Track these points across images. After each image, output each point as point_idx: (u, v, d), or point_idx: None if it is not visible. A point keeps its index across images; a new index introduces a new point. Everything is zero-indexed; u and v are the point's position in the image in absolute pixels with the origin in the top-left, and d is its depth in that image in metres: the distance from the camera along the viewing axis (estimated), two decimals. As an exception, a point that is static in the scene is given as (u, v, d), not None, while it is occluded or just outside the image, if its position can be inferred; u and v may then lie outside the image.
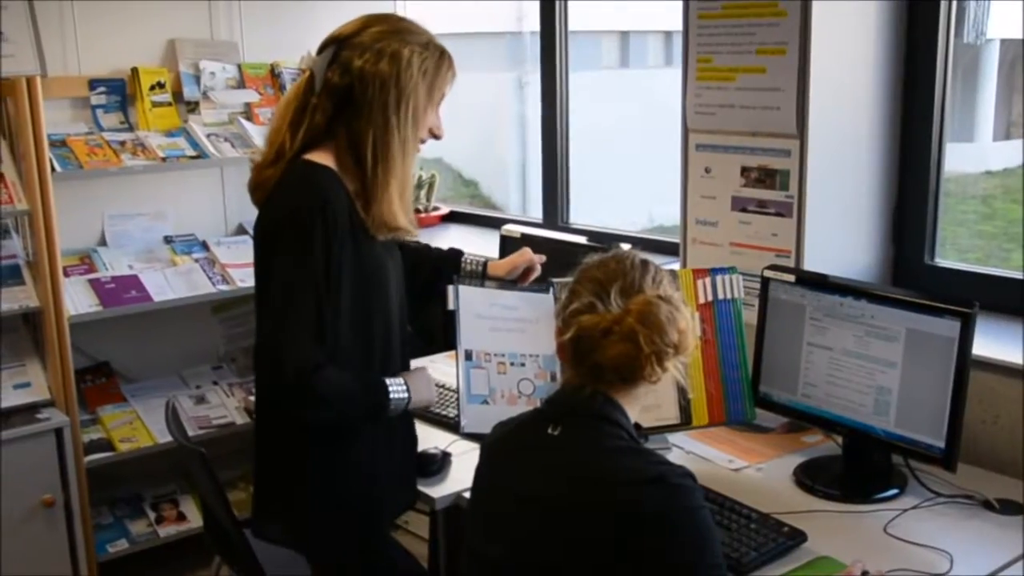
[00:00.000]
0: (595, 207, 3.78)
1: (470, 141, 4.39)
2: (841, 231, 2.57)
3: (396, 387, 2.02)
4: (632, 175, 4.10)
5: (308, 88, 2.01)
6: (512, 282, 2.42)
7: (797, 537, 1.87)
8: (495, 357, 2.33)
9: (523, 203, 4.27)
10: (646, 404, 2.21)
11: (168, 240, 3.60)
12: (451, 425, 2.38)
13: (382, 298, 2.05)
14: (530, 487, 1.57)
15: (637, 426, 1.65)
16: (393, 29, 2.01)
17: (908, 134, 2.60)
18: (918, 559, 1.82)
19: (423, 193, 4.04)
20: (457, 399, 2.33)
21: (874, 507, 2.02)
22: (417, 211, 4.00)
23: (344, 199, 1.95)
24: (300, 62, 1.85)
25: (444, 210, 4.12)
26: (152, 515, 3.47)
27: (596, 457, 1.54)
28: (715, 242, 2.67)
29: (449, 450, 2.29)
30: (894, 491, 2.08)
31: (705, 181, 2.67)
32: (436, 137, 2.12)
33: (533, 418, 1.66)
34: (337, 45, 1.99)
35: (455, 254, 2.46)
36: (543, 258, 2.43)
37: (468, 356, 2.31)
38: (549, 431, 1.59)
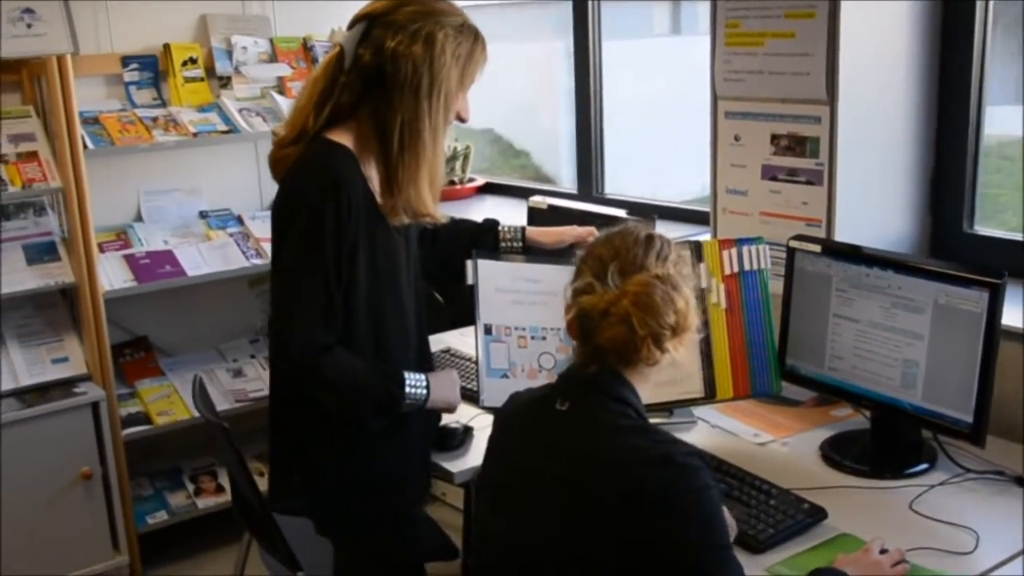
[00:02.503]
0: (647, 178, 3.71)
1: (520, 111, 4.32)
2: (874, 199, 2.49)
3: (415, 382, 1.97)
4: (684, 144, 4.02)
5: (337, 65, 1.96)
6: (550, 253, 2.38)
7: (817, 514, 1.83)
8: (516, 331, 2.31)
9: (574, 174, 4.19)
10: (671, 377, 2.20)
11: (203, 215, 3.62)
12: (473, 398, 2.36)
13: (395, 284, 2.02)
14: (536, 463, 1.55)
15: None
16: (428, 10, 1.94)
17: (946, 97, 2.51)
18: (943, 537, 1.77)
19: (458, 164, 4.01)
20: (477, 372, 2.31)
21: (900, 483, 1.97)
22: (452, 183, 3.99)
23: (358, 181, 1.91)
24: (330, 36, 1.81)
25: (480, 181, 4.09)
26: (191, 487, 3.51)
27: (601, 435, 1.51)
28: (745, 211, 2.61)
29: (471, 424, 2.27)
30: (924, 466, 2.02)
31: (735, 149, 2.61)
32: (462, 120, 2.06)
33: (545, 393, 1.63)
34: (368, 21, 1.94)
35: (491, 224, 2.43)
36: (593, 231, 2.38)
37: (488, 330, 2.29)
38: (557, 406, 1.57)
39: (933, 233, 2.59)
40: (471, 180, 4.06)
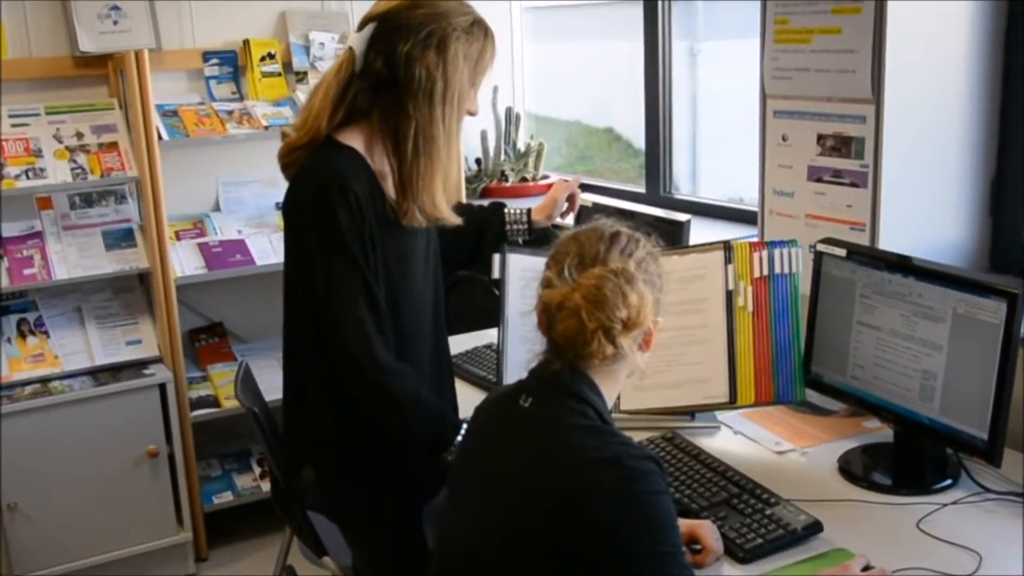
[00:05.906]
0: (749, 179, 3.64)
1: (641, 111, 4.26)
2: (926, 205, 2.37)
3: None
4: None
5: (349, 68, 1.93)
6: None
7: (813, 527, 1.76)
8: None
9: (693, 176, 4.13)
10: (694, 378, 2.15)
11: (279, 206, 3.72)
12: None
13: (408, 279, 2.01)
14: (493, 459, 1.55)
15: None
16: (438, 11, 1.91)
17: (1010, 93, 2.38)
18: (941, 558, 1.68)
19: (531, 161, 4.01)
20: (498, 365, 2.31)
21: (915, 500, 1.88)
22: (524, 179, 3.99)
23: (365, 182, 1.90)
24: (341, 38, 1.82)
25: (553, 178, 4.07)
26: (257, 470, 3.62)
27: (555, 433, 1.49)
28: (791, 213, 2.53)
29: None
30: (947, 483, 1.93)
31: (782, 149, 2.53)
32: (471, 114, 2.04)
33: (514, 389, 1.62)
34: (378, 23, 1.92)
35: (498, 207, 2.42)
36: (578, 179, 2.38)
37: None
38: (521, 403, 1.56)
39: (993, 242, 2.47)
40: (544, 177, 4.05)
